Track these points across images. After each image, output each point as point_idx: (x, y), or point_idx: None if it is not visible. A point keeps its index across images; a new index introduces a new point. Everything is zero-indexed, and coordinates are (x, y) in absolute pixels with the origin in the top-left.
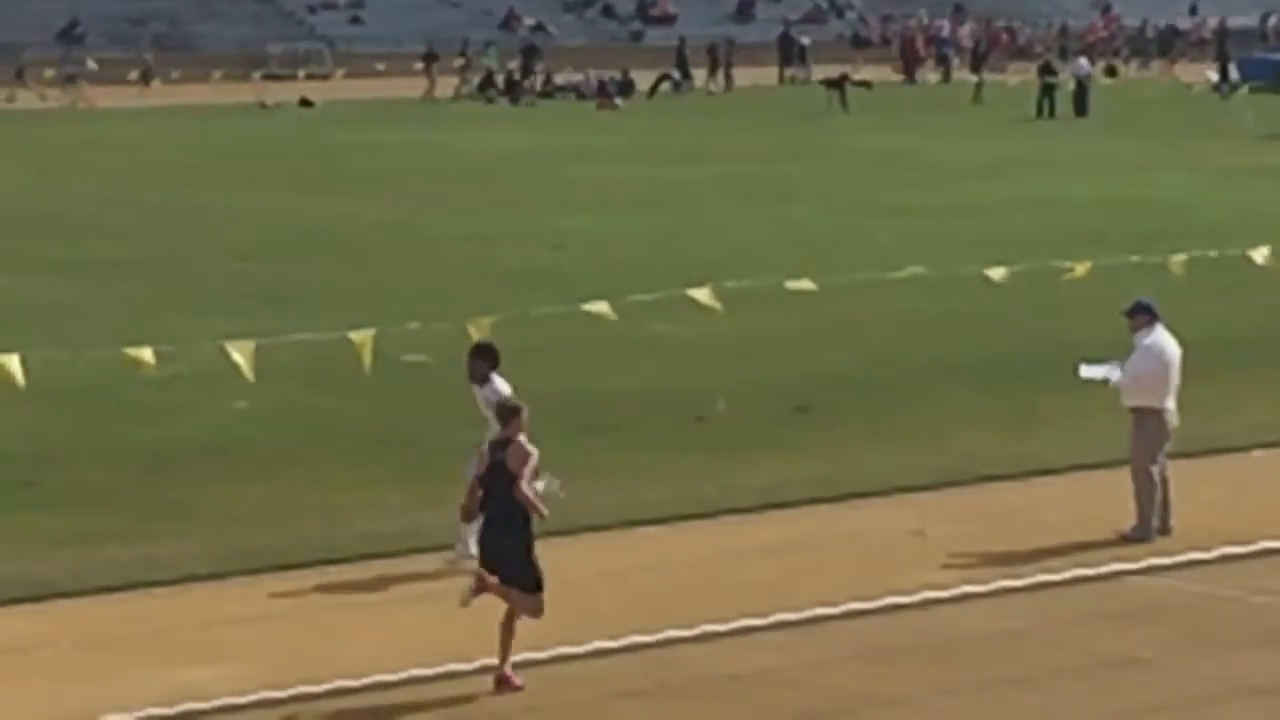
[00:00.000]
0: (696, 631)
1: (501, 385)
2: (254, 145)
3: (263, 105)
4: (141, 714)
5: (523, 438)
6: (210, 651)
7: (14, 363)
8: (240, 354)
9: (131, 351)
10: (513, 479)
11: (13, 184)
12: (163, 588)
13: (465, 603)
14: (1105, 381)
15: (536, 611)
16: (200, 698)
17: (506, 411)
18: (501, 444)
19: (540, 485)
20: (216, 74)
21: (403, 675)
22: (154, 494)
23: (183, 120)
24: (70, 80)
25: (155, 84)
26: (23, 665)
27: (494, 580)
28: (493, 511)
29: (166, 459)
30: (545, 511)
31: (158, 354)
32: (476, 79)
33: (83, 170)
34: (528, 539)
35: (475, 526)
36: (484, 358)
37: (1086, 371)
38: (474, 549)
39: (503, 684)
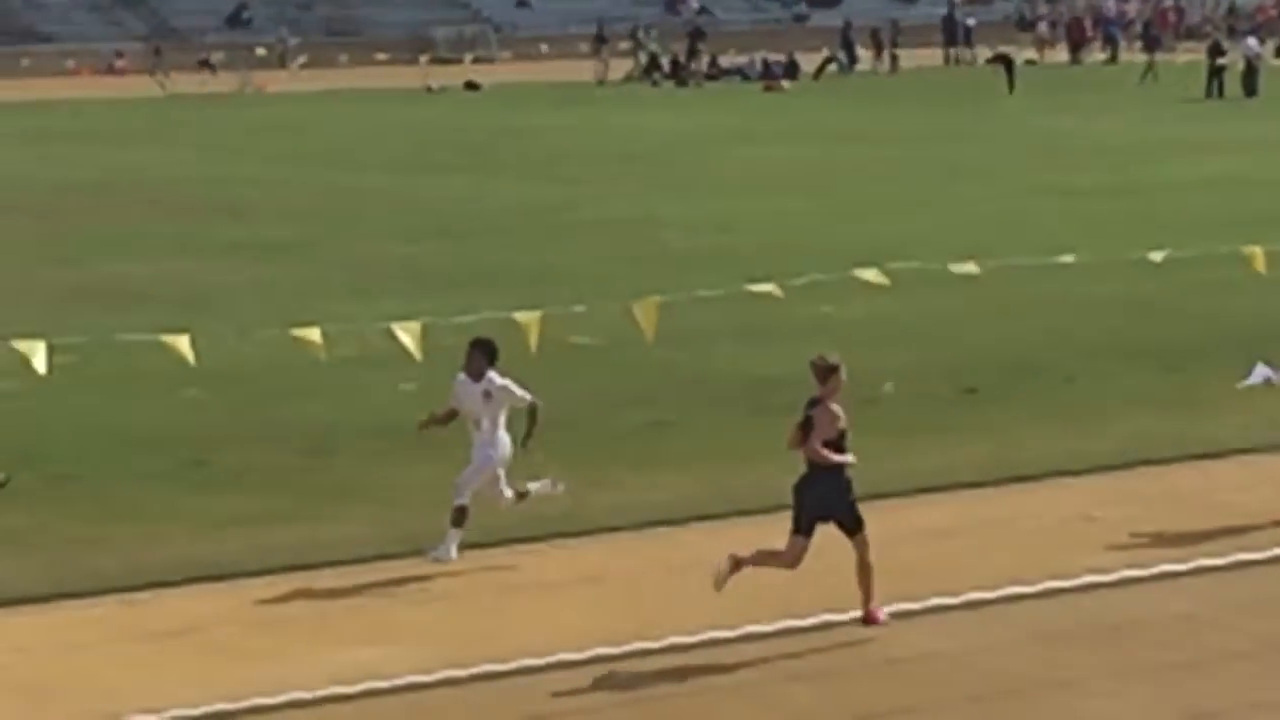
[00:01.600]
0: (859, 615)
1: (496, 378)
2: (420, 129)
3: (429, 89)
4: (323, 692)
5: (835, 404)
6: (380, 632)
7: (184, 344)
8: (408, 335)
9: (299, 333)
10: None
11: (184, 167)
12: (331, 569)
13: (719, 586)
14: (1268, 382)
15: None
16: (373, 677)
17: (825, 370)
18: (814, 402)
19: (534, 487)
20: (382, 57)
21: (577, 656)
22: (321, 476)
23: (350, 104)
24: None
25: (321, 69)
26: (197, 644)
27: (747, 557)
28: (810, 464)
29: (333, 441)
30: (851, 459)
31: (325, 335)
32: (642, 62)
33: (251, 154)
34: (845, 480)
35: (461, 532)
36: (483, 352)
37: (1248, 382)
38: (454, 553)
39: (869, 621)
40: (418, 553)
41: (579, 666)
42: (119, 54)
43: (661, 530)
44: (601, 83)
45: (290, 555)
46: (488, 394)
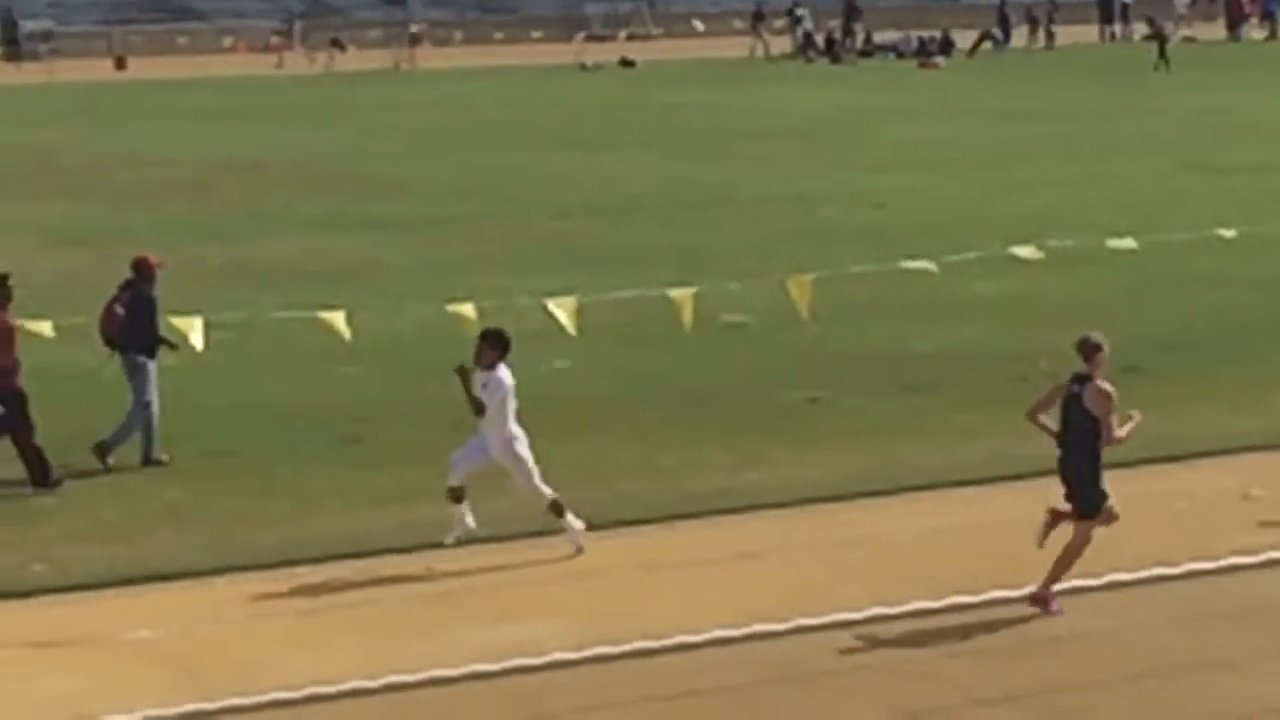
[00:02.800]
0: (1021, 593)
1: (505, 375)
2: (574, 105)
3: (583, 66)
4: (466, 670)
5: (1101, 380)
6: (535, 607)
7: (339, 320)
8: (562, 311)
9: (454, 309)
10: (1085, 412)
11: (339, 144)
12: (484, 544)
13: (1041, 544)
14: None
15: (1084, 539)
16: (527, 653)
17: (1090, 348)
18: (1080, 379)
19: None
20: (537, 35)
21: (734, 633)
22: None
23: (504, 81)
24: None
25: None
26: (350, 620)
27: (1065, 509)
28: (1071, 438)
29: None
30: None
31: (480, 311)
32: (798, 39)
33: (406, 130)
34: (1096, 467)
35: (466, 506)
36: (492, 344)
37: None
38: (470, 524)
39: (1040, 603)
40: (548, 532)
41: (737, 644)
42: (276, 32)
43: (817, 507)
44: (756, 60)
45: (440, 532)
46: (484, 385)
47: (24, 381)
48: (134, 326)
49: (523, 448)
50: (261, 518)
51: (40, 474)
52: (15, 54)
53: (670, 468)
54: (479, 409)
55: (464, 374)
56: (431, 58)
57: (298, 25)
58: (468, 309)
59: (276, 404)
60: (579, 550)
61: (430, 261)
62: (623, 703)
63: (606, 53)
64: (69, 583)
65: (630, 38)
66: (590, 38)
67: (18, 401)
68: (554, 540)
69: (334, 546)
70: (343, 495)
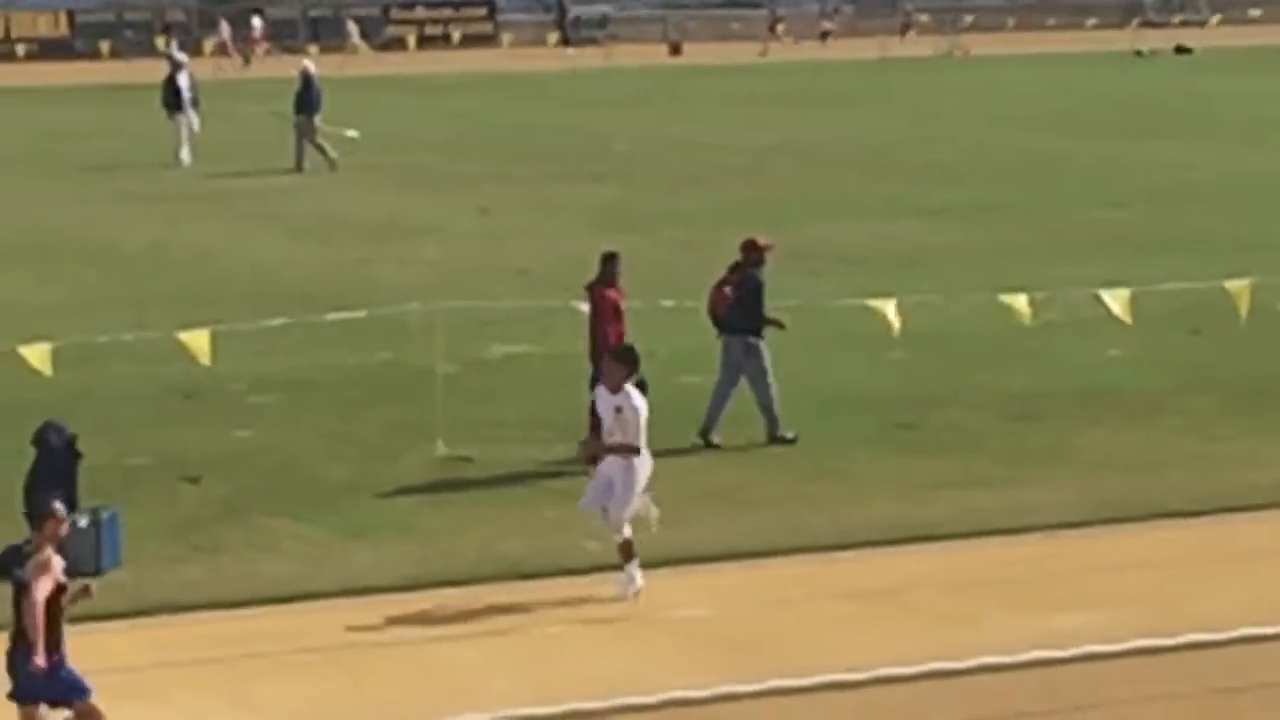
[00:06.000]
0: None
1: (633, 395)
2: (1128, 93)
3: (1138, 53)
4: (1013, 659)
5: None
6: (1080, 598)
7: (890, 307)
8: (1115, 301)
9: (1005, 297)
10: None
11: (891, 131)
12: (1035, 534)
13: None
14: None
15: None
16: (1066, 644)
17: None
18: None
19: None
20: (1092, 23)
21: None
22: (1025, 440)
23: (1056, 68)
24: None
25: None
26: (897, 605)
27: None
28: None
29: (1037, 405)
30: None
31: (1031, 300)
32: None
33: (957, 117)
34: None
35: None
36: (622, 362)
37: None
38: (638, 581)
39: None
40: (1122, 520)
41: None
42: (827, 17)
43: None
44: None
45: (993, 519)
46: (619, 410)
47: None
48: (742, 308)
49: (641, 476)
50: (810, 501)
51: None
52: (566, 39)
53: (1225, 459)
54: (635, 451)
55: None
56: (984, 44)
57: (850, 10)
58: (1019, 298)
59: (828, 389)
60: (624, 598)
61: (980, 249)
62: (1163, 696)
63: (1162, 39)
64: (618, 562)
65: (1184, 24)
66: (1144, 24)
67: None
68: (1109, 529)
69: (883, 531)
70: (892, 480)
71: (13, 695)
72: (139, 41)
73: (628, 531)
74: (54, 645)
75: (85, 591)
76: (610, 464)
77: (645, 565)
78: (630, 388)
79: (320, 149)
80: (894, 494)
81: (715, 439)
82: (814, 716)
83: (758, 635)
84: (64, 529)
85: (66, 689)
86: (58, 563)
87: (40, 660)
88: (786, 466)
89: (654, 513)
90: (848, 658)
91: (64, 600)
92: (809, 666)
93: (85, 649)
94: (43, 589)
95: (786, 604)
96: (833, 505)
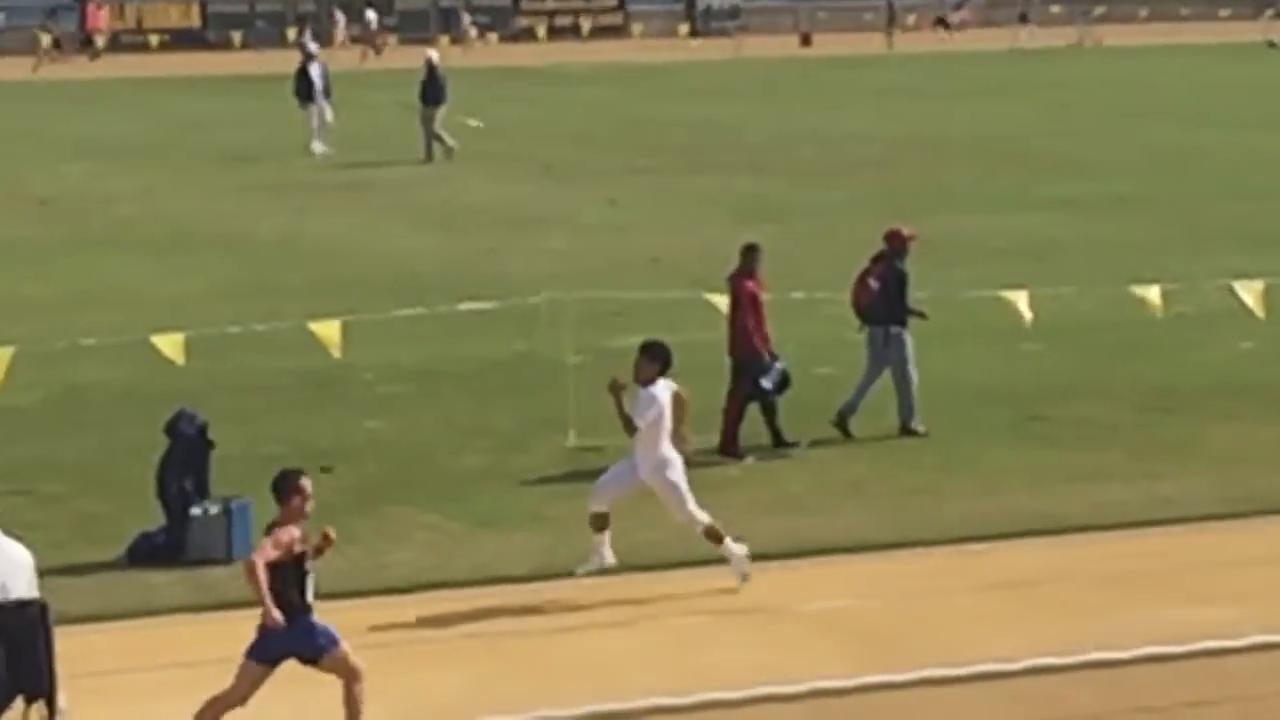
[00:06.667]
0: None
1: (660, 392)
2: (1260, 83)
3: (1270, 44)
4: (1138, 652)
5: None
6: (1216, 592)
7: (1022, 299)
8: (1248, 294)
9: (1137, 290)
10: None
11: (1022, 122)
12: (1167, 526)
13: None
14: None
15: None
16: (1204, 637)
17: None
18: None
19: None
20: (1225, 13)
21: None
22: (1157, 433)
23: (1187, 58)
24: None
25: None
26: (1030, 598)
27: None
28: None
29: (1170, 398)
30: None
31: (1163, 293)
32: None
33: (1087, 108)
34: None
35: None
36: (652, 357)
37: None
38: (608, 559)
39: None
40: (1255, 514)
41: None
42: (957, 8)
43: None
44: None
45: (1125, 512)
46: (640, 402)
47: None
48: (886, 299)
49: (676, 473)
50: (943, 493)
51: (729, 443)
52: (696, 30)
53: None
54: (631, 429)
55: (616, 389)
56: (1115, 34)
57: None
58: (1151, 291)
59: (960, 381)
60: (744, 578)
61: (1112, 241)
62: None
63: None
64: (752, 552)
65: None
66: (1278, 15)
67: (758, 368)
68: (1244, 523)
69: (1015, 523)
70: (1023, 473)
71: (249, 653)
72: (270, 33)
73: (704, 517)
74: (290, 602)
75: (326, 540)
76: (643, 458)
77: (778, 557)
78: (663, 381)
79: (438, 138)
80: (1025, 487)
81: (917, 427)
82: (964, 707)
83: (893, 627)
84: (309, 505)
85: (311, 641)
86: (294, 534)
87: (276, 615)
88: (918, 458)
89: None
90: (988, 649)
91: (307, 560)
92: (947, 658)
93: (217, 637)
94: (264, 555)
95: (920, 595)
96: (964, 498)
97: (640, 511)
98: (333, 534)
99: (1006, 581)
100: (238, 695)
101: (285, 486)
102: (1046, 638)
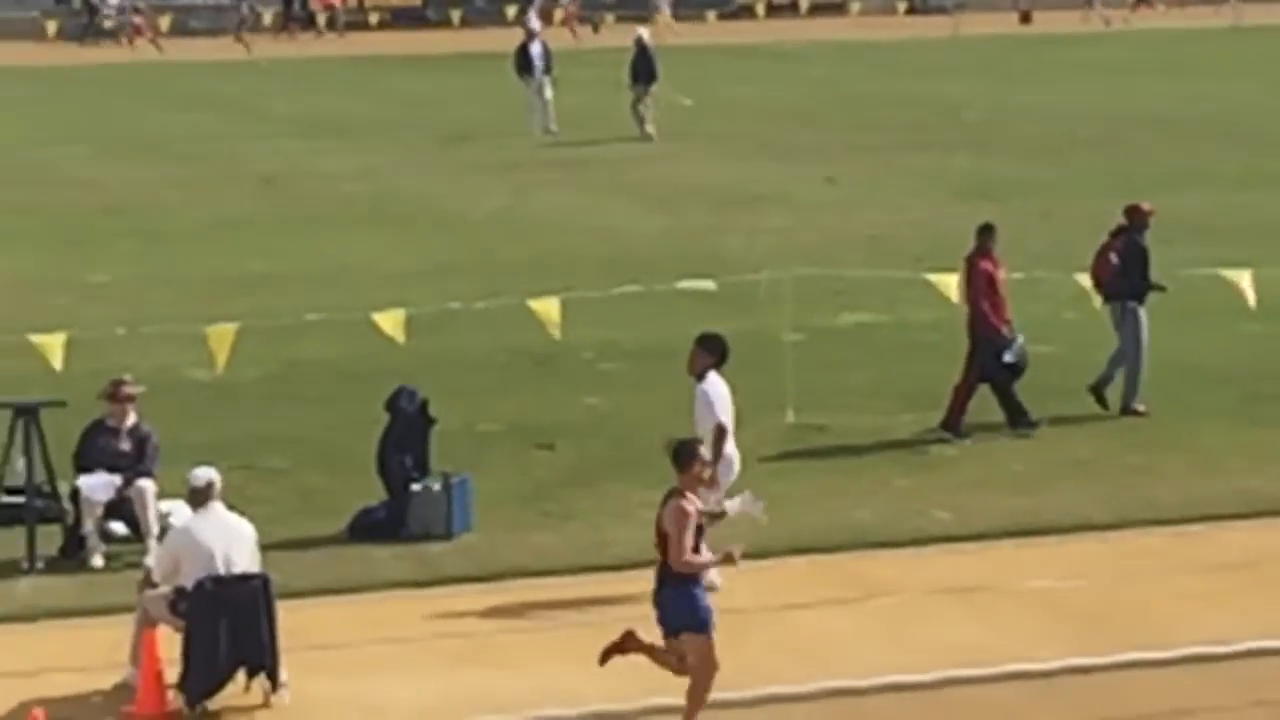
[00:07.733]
0: None
1: (710, 382)
2: None
3: None
4: None
5: None
6: None
7: (1245, 278)
8: None
9: None
10: None
11: (1247, 99)
12: None
13: None
14: None
15: None
16: None
17: None
18: None
19: (733, 505)
20: None
21: None
22: None
23: None
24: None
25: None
26: (1252, 579)
27: None
28: None
29: None
30: None
31: None
32: None
33: None
34: None
35: None
36: (707, 350)
37: None
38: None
39: None
40: None
41: None
42: None
43: None
44: None
45: None
46: (698, 398)
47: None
48: (1126, 273)
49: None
50: (1160, 473)
51: (954, 421)
52: (914, 7)
53: None
54: (720, 443)
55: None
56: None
57: None
58: None
59: (1179, 361)
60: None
61: None
62: None
63: None
64: (969, 531)
65: None
66: None
67: (999, 346)
68: None
69: (1235, 504)
70: (1247, 454)
71: (694, 629)
72: (490, 11)
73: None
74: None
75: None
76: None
77: (995, 536)
78: (714, 375)
79: (640, 118)
80: (1246, 467)
81: (1137, 406)
82: (1175, 689)
83: (1111, 607)
84: (708, 472)
85: (686, 617)
86: (697, 504)
87: (735, 551)
88: (1138, 438)
89: (758, 508)
90: (1206, 631)
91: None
92: (1167, 639)
93: (434, 613)
94: (685, 544)
95: (1139, 576)
96: (1184, 478)
97: (851, 489)
98: (738, 554)
99: (1228, 563)
100: (710, 673)
101: (686, 455)
102: (1267, 620)
